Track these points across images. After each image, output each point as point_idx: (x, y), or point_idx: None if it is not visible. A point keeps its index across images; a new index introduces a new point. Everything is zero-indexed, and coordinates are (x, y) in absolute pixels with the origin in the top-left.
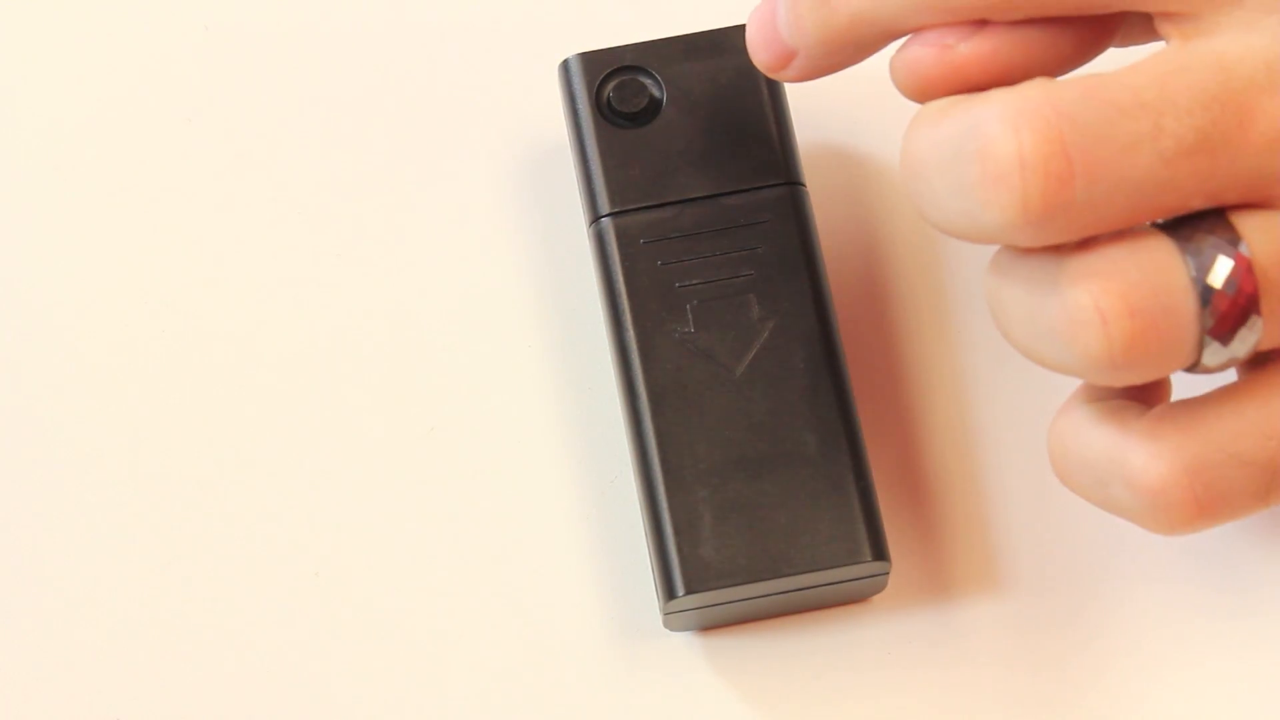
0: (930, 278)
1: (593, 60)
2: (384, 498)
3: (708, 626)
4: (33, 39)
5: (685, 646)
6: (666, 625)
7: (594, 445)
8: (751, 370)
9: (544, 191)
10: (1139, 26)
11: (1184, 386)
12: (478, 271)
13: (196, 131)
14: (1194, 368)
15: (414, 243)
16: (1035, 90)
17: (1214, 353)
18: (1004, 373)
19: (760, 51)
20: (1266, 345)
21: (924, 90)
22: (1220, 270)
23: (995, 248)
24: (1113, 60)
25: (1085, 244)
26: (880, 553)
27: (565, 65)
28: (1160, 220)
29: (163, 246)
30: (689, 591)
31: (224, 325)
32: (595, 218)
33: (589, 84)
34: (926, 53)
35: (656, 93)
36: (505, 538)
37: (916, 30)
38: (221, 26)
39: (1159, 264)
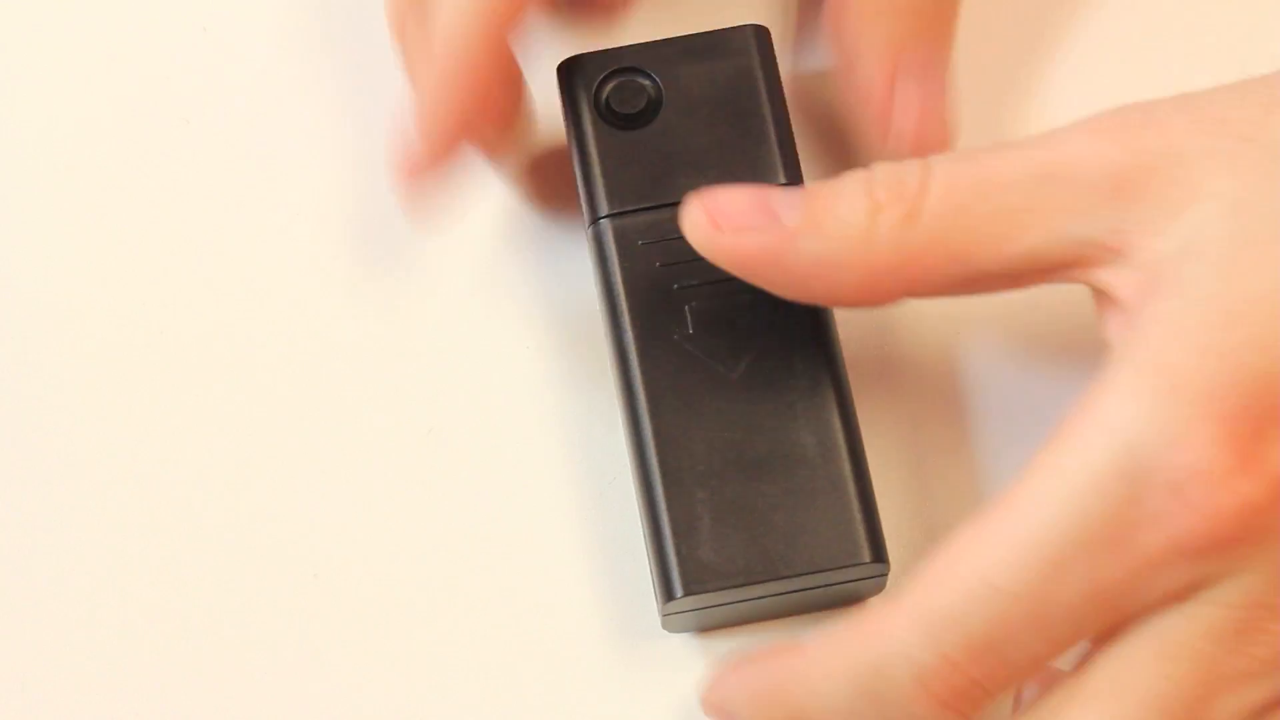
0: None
1: (591, 62)
2: (383, 498)
3: (706, 628)
4: (33, 39)
5: (684, 647)
6: (665, 626)
7: (593, 446)
8: (749, 373)
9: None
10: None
11: None
12: (476, 271)
13: (196, 131)
14: None
15: (413, 242)
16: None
17: None
18: (1004, 373)
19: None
20: None
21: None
22: None
23: None
24: None
25: None
26: (879, 554)
27: (563, 66)
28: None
29: (162, 247)
30: (687, 593)
31: (223, 326)
32: (594, 219)
33: (587, 85)
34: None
35: (655, 94)
36: (504, 538)
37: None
38: (221, 27)
39: None
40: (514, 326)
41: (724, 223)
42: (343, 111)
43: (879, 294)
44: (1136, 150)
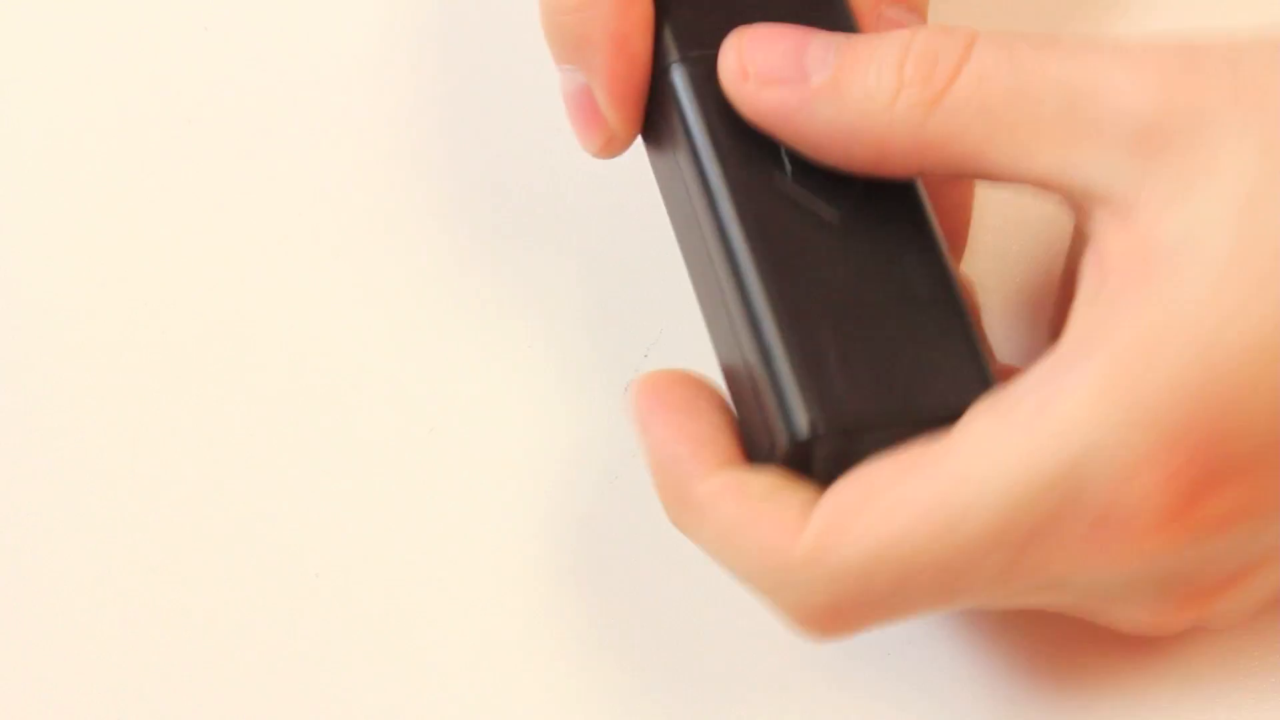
0: None
1: None
2: (384, 498)
3: None
4: (33, 39)
5: (680, 650)
6: None
7: (595, 444)
8: (851, 215)
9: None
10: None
11: None
12: (477, 271)
13: (196, 131)
14: None
15: (413, 241)
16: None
17: None
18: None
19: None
20: None
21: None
22: None
23: None
24: None
25: None
26: None
27: None
28: None
29: (163, 247)
30: (828, 429)
31: (224, 325)
32: (664, 64)
33: None
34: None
35: None
36: (506, 538)
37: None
38: (221, 26)
39: None
40: (515, 326)
41: (753, 72)
42: (344, 111)
43: (891, 169)
44: (1171, 103)
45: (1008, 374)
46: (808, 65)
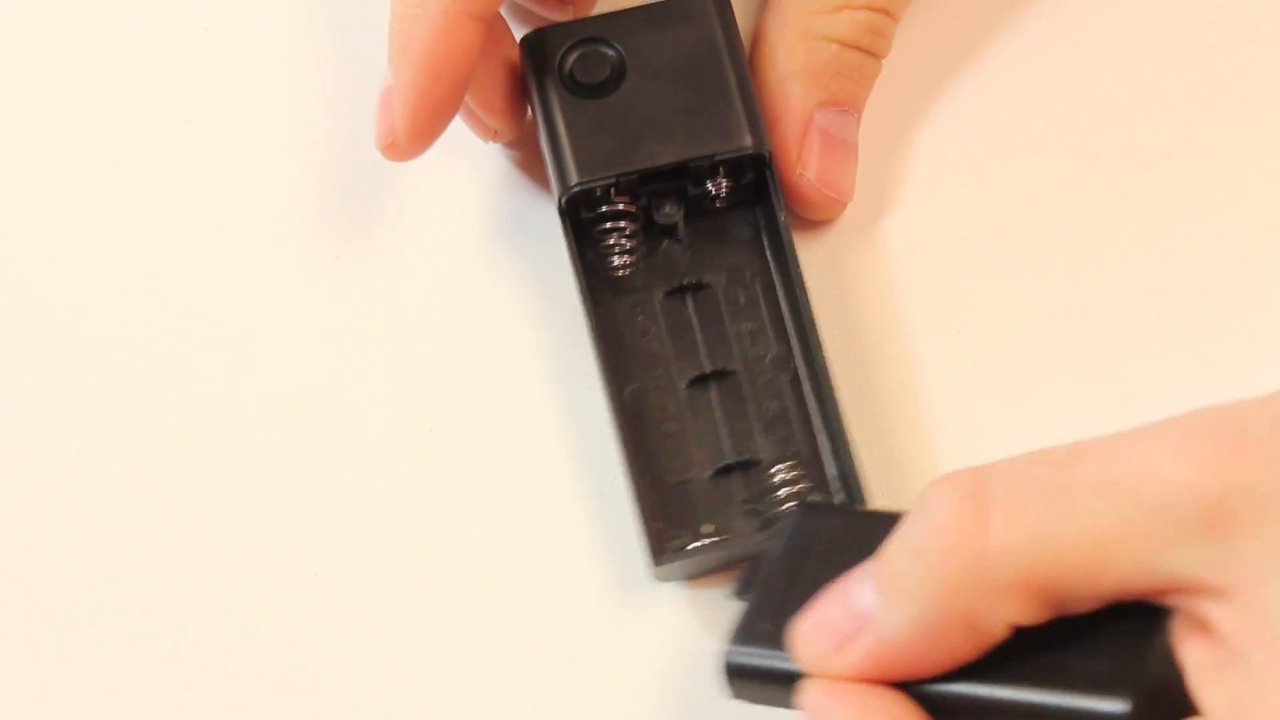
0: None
1: (554, 34)
2: (385, 498)
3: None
4: (34, 39)
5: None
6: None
7: (595, 445)
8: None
9: (541, 188)
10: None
11: None
12: (478, 272)
13: (196, 131)
14: None
15: (414, 241)
16: None
17: None
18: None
19: None
20: None
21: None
22: None
23: None
24: None
25: None
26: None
27: (526, 41)
28: None
29: (162, 246)
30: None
31: (223, 325)
32: (564, 189)
33: (551, 57)
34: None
35: (618, 63)
36: (505, 539)
37: None
38: (221, 26)
39: None
40: (515, 326)
41: (821, 649)
42: (343, 111)
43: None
44: (1228, 483)
45: None
46: (858, 607)
